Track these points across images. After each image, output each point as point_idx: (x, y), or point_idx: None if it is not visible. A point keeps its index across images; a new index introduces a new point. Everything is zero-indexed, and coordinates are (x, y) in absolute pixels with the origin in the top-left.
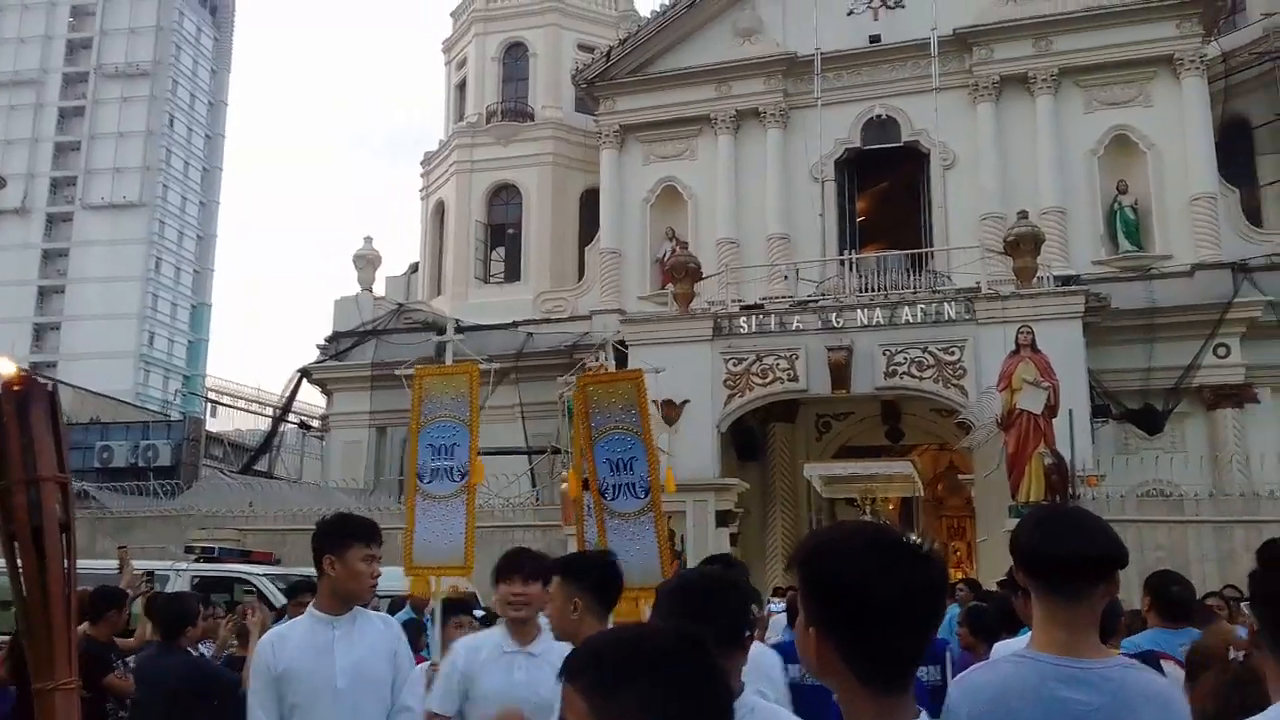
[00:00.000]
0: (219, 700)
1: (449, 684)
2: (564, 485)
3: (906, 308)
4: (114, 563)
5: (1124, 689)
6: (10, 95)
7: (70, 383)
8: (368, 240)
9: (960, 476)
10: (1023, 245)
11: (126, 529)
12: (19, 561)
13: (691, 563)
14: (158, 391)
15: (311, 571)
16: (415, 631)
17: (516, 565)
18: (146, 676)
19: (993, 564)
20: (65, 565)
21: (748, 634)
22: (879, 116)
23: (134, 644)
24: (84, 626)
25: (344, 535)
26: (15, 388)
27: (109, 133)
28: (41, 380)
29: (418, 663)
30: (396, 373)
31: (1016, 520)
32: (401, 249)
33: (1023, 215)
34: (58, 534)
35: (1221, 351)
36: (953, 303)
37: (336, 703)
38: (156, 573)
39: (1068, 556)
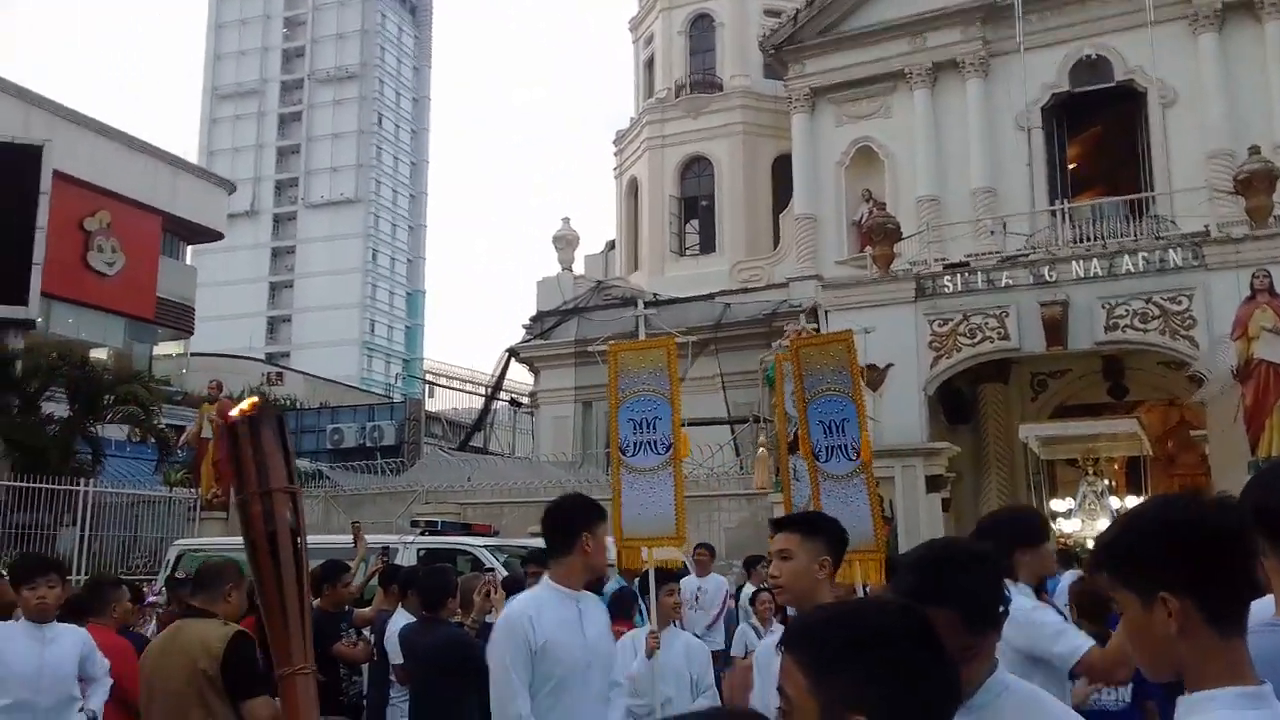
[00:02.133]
0: (478, 672)
1: None
2: (760, 451)
3: (1127, 257)
4: (348, 537)
5: None
6: (236, 106)
7: (302, 370)
8: (565, 221)
9: (1193, 432)
10: (1256, 183)
11: (357, 505)
12: (259, 563)
13: (902, 530)
14: (380, 375)
15: (529, 543)
16: (629, 600)
17: None
18: (415, 649)
19: None
20: (296, 565)
21: (1002, 610)
22: (1089, 57)
23: (370, 614)
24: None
25: (596, 514)
26: (248, 413)
27: (324, 135)
28: (271, 406)
29: (627, 629)
30: (591, 349)
31: None
32: (599, 227)
33: (1255, 151)
34: (289, 538)
35: None
36: (1178, 249)
37: (586, 675)
38: (388, 547)
39: None
